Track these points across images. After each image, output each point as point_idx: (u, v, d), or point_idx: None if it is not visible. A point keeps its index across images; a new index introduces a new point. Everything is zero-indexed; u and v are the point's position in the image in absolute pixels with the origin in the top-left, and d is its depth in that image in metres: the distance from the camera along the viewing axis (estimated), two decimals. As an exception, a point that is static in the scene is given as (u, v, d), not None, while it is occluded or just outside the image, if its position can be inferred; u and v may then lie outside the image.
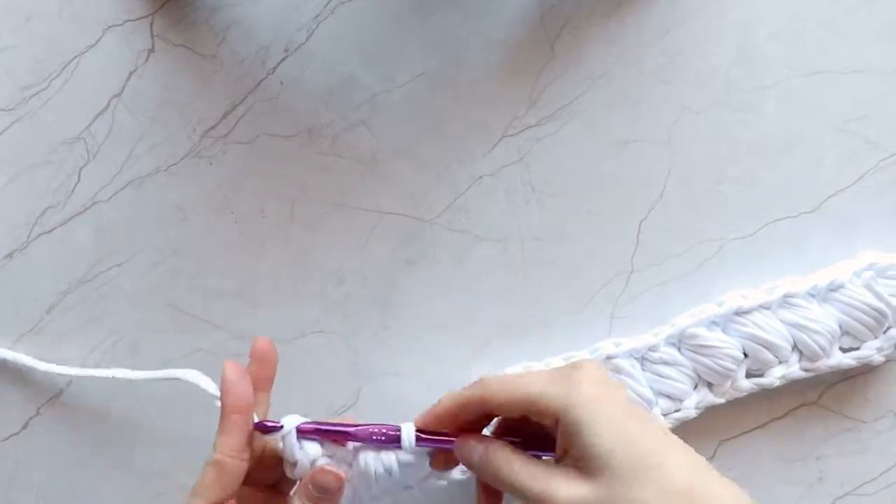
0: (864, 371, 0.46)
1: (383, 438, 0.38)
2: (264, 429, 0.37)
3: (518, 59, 0.47)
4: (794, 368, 0.44)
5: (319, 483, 0.37)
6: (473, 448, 0.37)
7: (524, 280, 0.47)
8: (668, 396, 0.45)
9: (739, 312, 0.44)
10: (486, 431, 0.40)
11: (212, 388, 0.39)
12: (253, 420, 0.37)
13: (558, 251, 0.47)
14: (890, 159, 0.47)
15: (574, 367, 0.36)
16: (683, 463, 0.33)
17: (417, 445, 0.38)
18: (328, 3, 0.47)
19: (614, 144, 0.47)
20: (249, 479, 0.38)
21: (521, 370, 0.45)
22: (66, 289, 0.48)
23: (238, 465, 0.36)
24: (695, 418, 0.45)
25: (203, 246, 0.48)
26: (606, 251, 0.47)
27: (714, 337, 0.44)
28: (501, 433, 0.40)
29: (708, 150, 0.47)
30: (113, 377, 0.44)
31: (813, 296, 0.45)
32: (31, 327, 0.47)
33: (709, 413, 0.46)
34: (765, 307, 0.44)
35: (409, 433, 0.38)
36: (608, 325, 0.47)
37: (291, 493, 0.39)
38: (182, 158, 0.48)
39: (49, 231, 0.48)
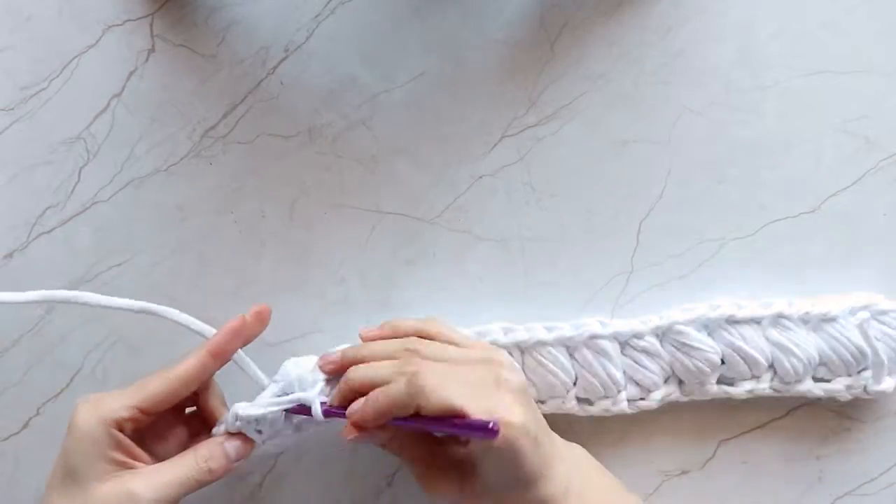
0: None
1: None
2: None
3: (518, 59, 0.47)
4: (764, 385, 0.44)
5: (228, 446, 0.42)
6: (377, 437, 0.40)
7: (524, 280, 0.47)
8: (638, 384, 0.45)
9: (731, 321, 0.44)
10: None
11: (192, 323, 0.43)
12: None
13: (558, 251, 0.47)
14: (890, 159, 0.47)
15: (497, 383, 0.38)
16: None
17: (325, 418, 0.41)
18: (328, 3, 0.47)
19: (614, 144, 0.47)
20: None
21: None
22: (65, 289, 0.48)
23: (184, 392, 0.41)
24: (695, 418, 0.46)
25: (203, 246, 0.48)
26: (606, 251, 0.47)
27: (700, 339, 0.44)
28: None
29: (708, 150, 0.47)
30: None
31: (805, 322, 0.44)
32: (30, 327, 0.47)
33: (709, 413, 0.46)
34: (756, 321, 0.44)
35: (317, 408, 0.41)
36: (608, 325, 0.47)
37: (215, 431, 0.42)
38: (182, 158, 0.48)
39: (49, 231, 0.48)
